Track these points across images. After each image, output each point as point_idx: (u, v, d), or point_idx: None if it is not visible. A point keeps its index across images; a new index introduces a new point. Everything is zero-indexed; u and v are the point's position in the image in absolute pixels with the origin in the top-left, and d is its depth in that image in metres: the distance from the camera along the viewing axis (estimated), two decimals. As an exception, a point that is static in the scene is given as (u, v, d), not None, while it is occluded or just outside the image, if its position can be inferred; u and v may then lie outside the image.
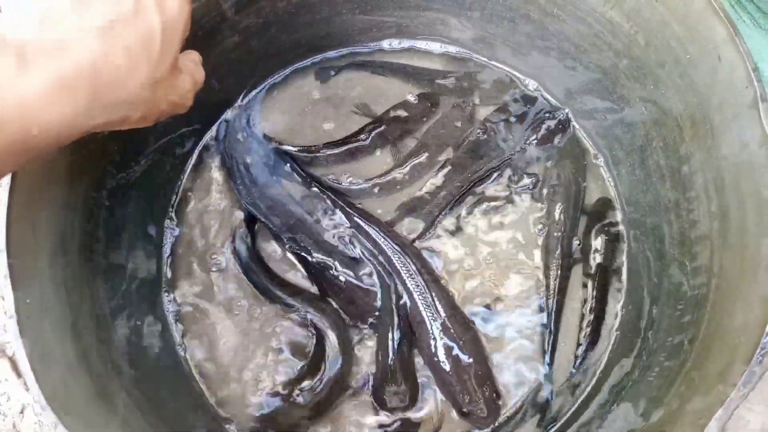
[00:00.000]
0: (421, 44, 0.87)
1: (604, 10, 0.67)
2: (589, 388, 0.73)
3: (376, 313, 0.74)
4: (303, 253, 0.76)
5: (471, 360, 0.70)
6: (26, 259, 0.51)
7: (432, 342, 0.71)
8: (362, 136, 0.82)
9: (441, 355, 0.70)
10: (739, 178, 0.55)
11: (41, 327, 0.51)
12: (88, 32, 0.41)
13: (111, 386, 0.58)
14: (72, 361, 0.53)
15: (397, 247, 0.75)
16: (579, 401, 0.72)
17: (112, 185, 0.66)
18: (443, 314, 0.71)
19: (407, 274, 0.74)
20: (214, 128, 0.83)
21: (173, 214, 0.78)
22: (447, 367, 0.70)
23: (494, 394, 0.70)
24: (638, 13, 0.64)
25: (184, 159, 0.80)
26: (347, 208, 0.78)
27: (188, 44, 0.52)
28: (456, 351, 0.70)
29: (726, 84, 0.56)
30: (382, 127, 0.83)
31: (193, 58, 0.55)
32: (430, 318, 0.71)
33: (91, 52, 0.41)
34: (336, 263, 0.75)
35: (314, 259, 0.75)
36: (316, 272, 0.76)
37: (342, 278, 0.75)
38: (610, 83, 0.74)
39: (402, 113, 0.84)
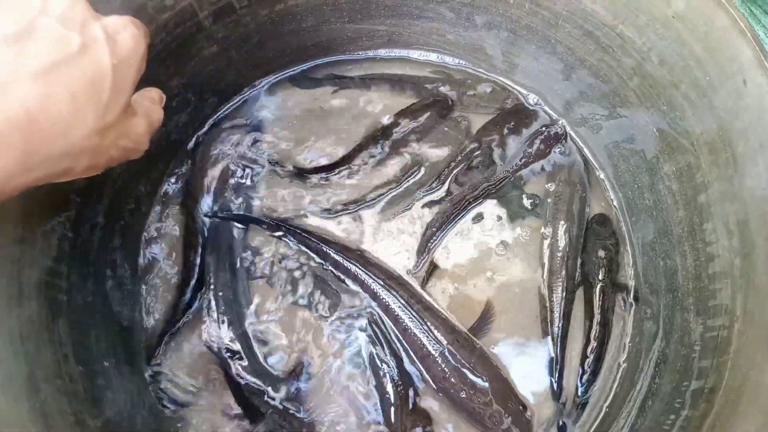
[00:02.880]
0: (414, 54, 0.82)
1: (614, 24, 0.62)
2: (596, 423, 0.69)
3: None
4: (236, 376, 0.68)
5: (486, 380, 0.66)
6: (-28, 311, 0.45)
7: (443, 374, 0.67)
8: (371, 151, 0.77)
9: (456, 384, 0.66)
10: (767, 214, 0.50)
11: (-11, 388, 0.45)
12: (25, 75, 0.35)
13: (73, 444, 0.52)
14: (26, 422, 0.47)
15: (380, 281, 0.70)
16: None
17: (76, 214, 0.60)
18: (445, 341, 0.67)
19: (399, 308, 0.69)
20: (190, 143, 0.77)
21: (146, 242, 0.72)
22: (465, 395, 0.66)
23: (520, 407, 0.66)
24: (653, 29, 0.59)
25: (157, 180, 0.74)
26: (324, 246, 0.72)
27: (161, 55, 0.46)
28: (470, 376, 0.66)
29: (752, 110, 0.51)
30: (392, 137, 0.78)
31: (152, 95, 0.49)
32: (434, 349, 0.67)
33: (27, 99, 0.35)
34: (269, 388, 0.67)
35: (245, 382, 0.67)
36: (245, 397, 0.68)
37: (275, 404, 0.67)
38: (618, 101, 0.69)
39: (410, 122, 0.79)
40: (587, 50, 0.68)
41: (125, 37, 0.42)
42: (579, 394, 0.70)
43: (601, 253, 0.74)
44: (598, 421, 0.69)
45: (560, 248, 0.74)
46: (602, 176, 0.77)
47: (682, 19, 0.55)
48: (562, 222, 0.74)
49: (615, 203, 0.76)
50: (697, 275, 0.60)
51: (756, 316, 0.50)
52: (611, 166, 0.75)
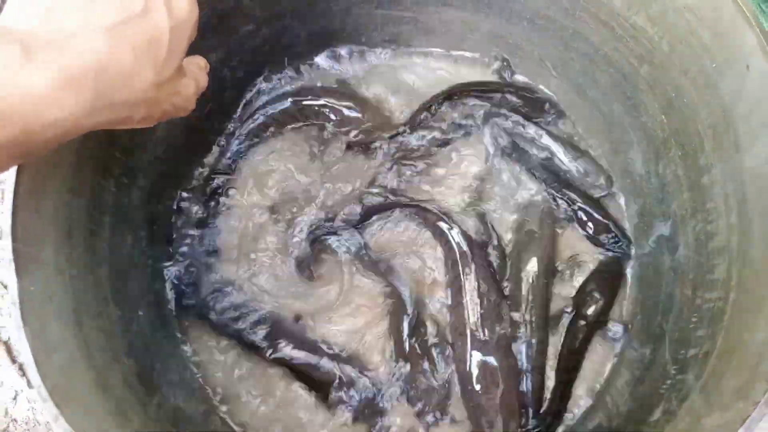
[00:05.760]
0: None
1: (628, 14, 0.66)
2: (593, 397, 0.72)
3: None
4: (286, 358, 0.71)
5: (503, 388, 0.67)
6: (31, 245, 0.50)
7: (469, 357, 0.68)
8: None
9: (475, 374, 0.67)
10: (764, 191, 0.54)
11: (44, 315, 0.49)
12: (95, 29, 0.40)
13: (111, 377, 0.56)
14: (74, 351, 0.52)
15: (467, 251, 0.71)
16: (585, 409, 0.72)
17: (119, 171, 0.64)
18: (487, 336, 0.68)
19: (469, 283, 0.71)
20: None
21: (181, 204, 0.77)
22: (479, 387, 0.67)
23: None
24: (664, 19, 0.63)
25: (194, 148, 0.79)
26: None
27: (201, 30, 0.51)
28: (494, 376, 0.67)
29: (755, 93, 0.55)
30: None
31: (198, 62, 0.54)
32: (475, 334, 0.69)
33: (98, 50, 0.39)
34: (322, 360, 0.71)
35: (297, 362, 0.71)
36: (301, 374, 0.71)
37: (334, 373, 0.70)
38: (629, 88, 0.72)
39: None
40: (602, 39, 0.71)
41: (181, 4, 0.46)
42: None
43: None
44: (597, 392, 0.72)
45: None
46: (614, 166, 0.80)
47: (692, 8, 0.59)
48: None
49: (623, 190, 0.80)
50: (698, 252, 0.64)
51: (748, 285, 0.54)
52: (620, 153, 0.79)
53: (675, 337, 0.63)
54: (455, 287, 0.72)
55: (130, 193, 0.67)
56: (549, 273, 0.74)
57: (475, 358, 0.68)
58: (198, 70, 0.54)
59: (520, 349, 0.71)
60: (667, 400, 0.58)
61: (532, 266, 0.74)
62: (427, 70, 0.86)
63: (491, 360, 0.68)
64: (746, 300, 0.54)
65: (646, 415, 0.59)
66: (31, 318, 0.47)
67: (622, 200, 0.80)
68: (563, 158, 0.80)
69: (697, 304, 0.61)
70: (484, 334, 0.69)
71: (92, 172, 0.60)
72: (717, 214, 0.61)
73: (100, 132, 0.58)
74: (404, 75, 0.85)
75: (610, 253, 0.76)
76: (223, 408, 0.71)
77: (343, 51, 0.85)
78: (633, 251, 0.77)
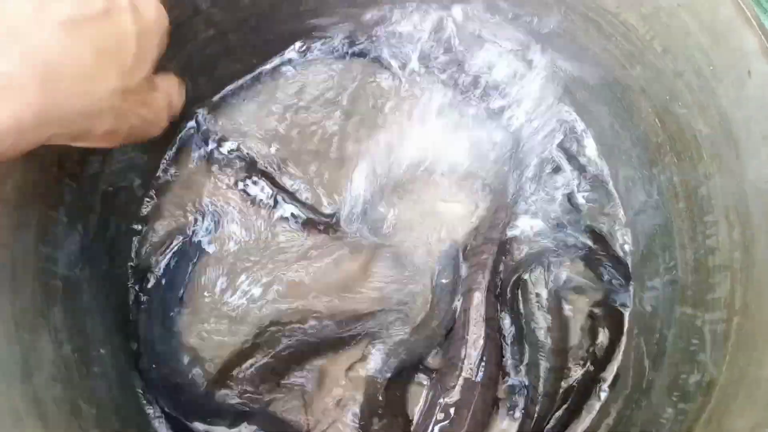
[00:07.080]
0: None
1: (617, 12, 0.61)
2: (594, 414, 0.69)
3: None
4: None
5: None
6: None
7: (450, 390, 0.63)
8: None
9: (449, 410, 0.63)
10: (769, 207, 0.50)
11: (-17, 375, 0.44)
12: (46, 25, 0.34)
13: (68, 432, 0.52)
14: (20, 410, 0.47)
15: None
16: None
17: (71, 200, 0.59)
18: (479, 378, 0.64)
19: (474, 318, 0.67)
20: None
21: (141, 227, 0.72)
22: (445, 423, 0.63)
23: None
24: (657, 17, 0.58)
25: (154, 166, 0.73)
26: None
27: None
28: (466, 419, 0.62)
29: (755, 100, 0.51)
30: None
31: (173, 80, 0.51)
32: (469, 371, 0.64)
33: (48, 46, 0.34)
34: None
35: None
36: None
37: None
38: (619, 90, 0.68)
39: None
40: (590, 37, 0.67)
41: (149, 8, 0.42)
42: None
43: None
44: (597, 410, 0.69)
45: None
46: (605, 170, 0.76)
47: (687, 8, 0.54)
48: None
49: (615, 196, 0.75)
50: (696, 268, 0.60)
51: (754, 310, 0.50)
52: (612, 158, 0.75)
53: (675, 359, 0.60)
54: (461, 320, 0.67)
55: (86, 223, 0.62)
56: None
57: (455, 394, 0.64)
58: (172, 86, 0.50)
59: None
60: (669, 433, 0.54)
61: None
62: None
63: (469, 404, 0.63)
64: (752, 326, 0.50)
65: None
66: (-34, 382, 0.42)
67: (614, 206, 0.76)
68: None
69: (698, 325, 0.58)
70: (476, 377, 0.64)
71: (40, 204, 0.55)
72: (717, 228, 0.57)
73: (47, 156, 0.54)
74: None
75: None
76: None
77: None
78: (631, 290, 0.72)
